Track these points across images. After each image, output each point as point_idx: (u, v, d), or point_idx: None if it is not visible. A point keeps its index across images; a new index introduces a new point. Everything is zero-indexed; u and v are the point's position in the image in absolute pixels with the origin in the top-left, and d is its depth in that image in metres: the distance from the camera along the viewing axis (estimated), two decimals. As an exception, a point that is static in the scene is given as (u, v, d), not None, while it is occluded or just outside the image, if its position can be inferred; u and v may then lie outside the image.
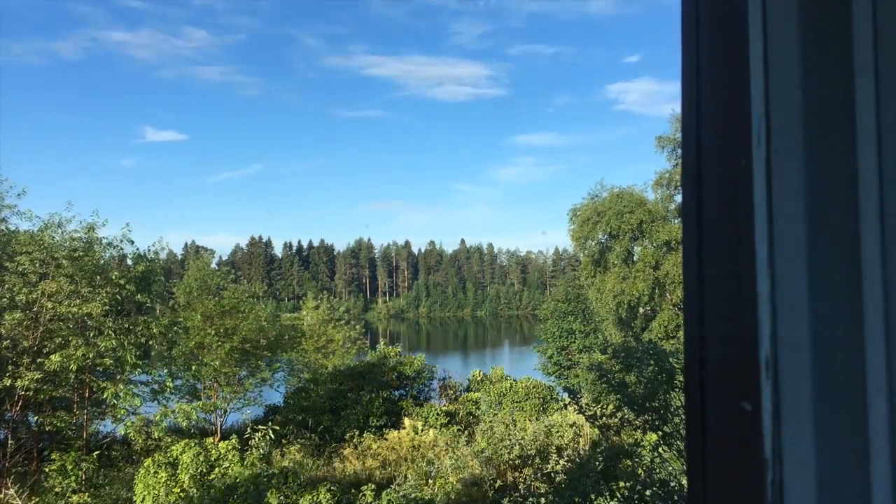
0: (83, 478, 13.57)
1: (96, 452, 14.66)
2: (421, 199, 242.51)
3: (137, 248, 19.20)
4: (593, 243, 33.14)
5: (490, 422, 16.97)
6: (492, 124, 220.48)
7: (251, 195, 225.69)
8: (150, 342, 18.33)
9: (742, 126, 0.74)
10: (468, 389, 25.25)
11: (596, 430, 15.86)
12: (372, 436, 18.52)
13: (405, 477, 14.50)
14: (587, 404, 14.89)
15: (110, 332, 16.35)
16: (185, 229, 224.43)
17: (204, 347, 19.94)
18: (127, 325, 17.19)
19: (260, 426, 13.78)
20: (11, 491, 13.40)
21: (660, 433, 10.80)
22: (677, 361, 11.21)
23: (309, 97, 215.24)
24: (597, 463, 11.89)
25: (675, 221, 30.58)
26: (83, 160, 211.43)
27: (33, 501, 13.22)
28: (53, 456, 13.82)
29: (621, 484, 10.40)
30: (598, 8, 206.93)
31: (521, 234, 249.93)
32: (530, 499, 12.31)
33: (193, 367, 19.68)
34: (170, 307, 22.42)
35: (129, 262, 19.82)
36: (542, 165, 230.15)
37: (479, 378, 25.22)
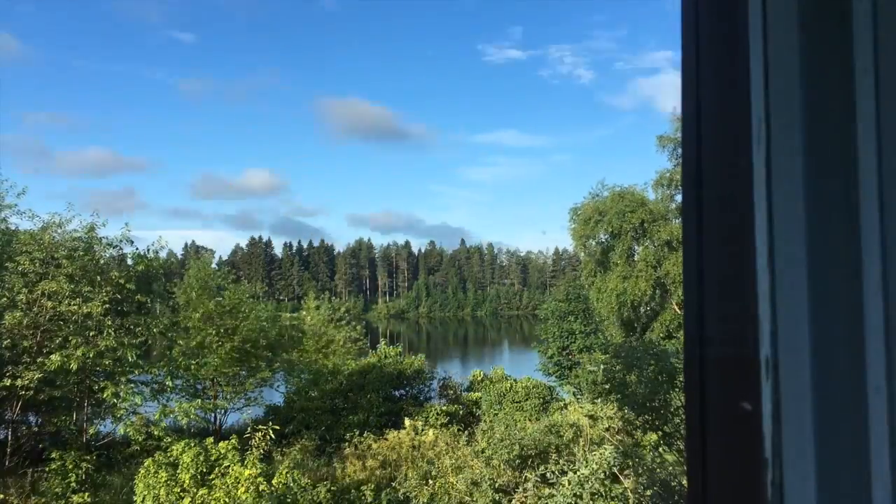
0: (83, 478, 13.57)
1: (96, 452, 14.65)
2: (412, 200, 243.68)
3: (137, 248, 19.21)
4: (594, 243, 33.17)
5: (490, 422, 16.96)
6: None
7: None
8: (150, 342, 18.32)
9: (742, 126, 0.74)
10: (469, 389, 25.25)
11: (596, 430, 15.84)
12: (372, 436, 18.51)
13: (405, 476, 14.49)
14: (588, 406, 14.88)
15: (110, 331, 16.34)
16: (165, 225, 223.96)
17: (204, 347, 19.93)
18: (127, 325, 17.18)
19: (260, 426, 13.77)
20: (11, 491, 13.40)
21: (660, 433, 10.80)
22: (678, 361, 11.20)
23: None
24: (595, 465, 11.88)
25: (676, 221, 30.58)
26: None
27: (33, 501, 13.21)
28: (53, 456, 13.81)
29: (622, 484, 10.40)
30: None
31: (503, 229, 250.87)
32: (530, 499, 12.30)
33: (193, 367, 19.67)
34: (169, 307, 22.39)
35: (130, 261, 19.80)
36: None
37: (479, 378, 25.22)
